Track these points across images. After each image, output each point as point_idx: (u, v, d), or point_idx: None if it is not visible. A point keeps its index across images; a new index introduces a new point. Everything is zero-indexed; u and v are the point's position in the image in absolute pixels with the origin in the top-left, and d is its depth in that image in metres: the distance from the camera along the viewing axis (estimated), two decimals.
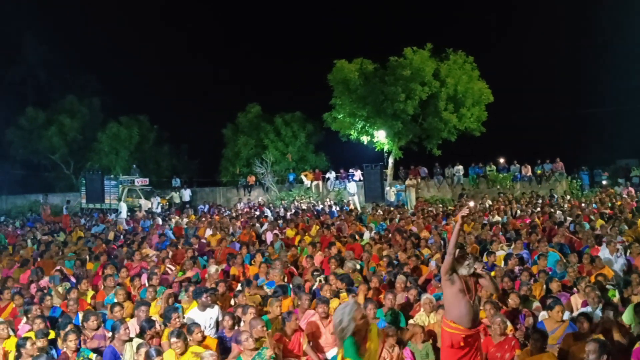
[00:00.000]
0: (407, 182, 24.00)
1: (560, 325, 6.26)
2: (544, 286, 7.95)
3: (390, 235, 13.05)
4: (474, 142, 27.07)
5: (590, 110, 33.51)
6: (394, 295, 7.42)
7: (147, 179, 28.00)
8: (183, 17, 47.01)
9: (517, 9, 37.13)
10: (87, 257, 11.95)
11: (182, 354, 5.85)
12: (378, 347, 5.10)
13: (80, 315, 7.32)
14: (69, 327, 6.51)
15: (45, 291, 8.69)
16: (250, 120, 32.38)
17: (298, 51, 42.00)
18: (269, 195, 28.14)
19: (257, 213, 20.62)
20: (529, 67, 36.72)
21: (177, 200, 27.55)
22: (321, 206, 22.59)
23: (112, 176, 27.86)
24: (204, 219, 18.92)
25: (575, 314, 6.65)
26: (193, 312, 7.27)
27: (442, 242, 11.53)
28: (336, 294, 7.83)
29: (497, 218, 15.74)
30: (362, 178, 25.50)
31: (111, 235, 15.95)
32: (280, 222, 16.71)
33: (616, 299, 7.19)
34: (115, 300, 7.86)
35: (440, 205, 20.98)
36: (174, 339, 5.88)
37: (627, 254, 9.62)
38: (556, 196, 21.54)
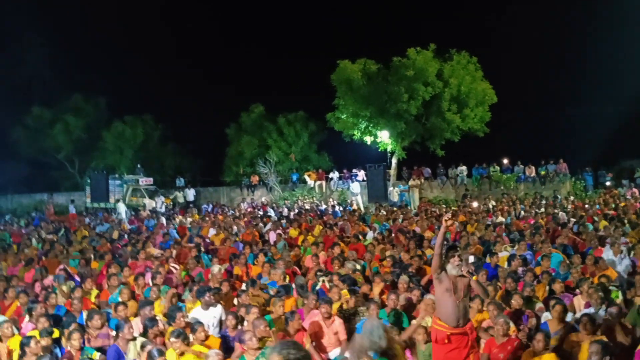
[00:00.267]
0: (411, 182, 24.00)
1: (564, 327, 6.26)
2: (547, 287, 7.94)
3: (393, 235, 13.06)
4: (478, 142, 27.04)
5: (594, 110, 33.37)
6: (397, 295, 7.43)
7: (152, 179, 28.10)
8: (186, 17, 47.02)
9: (521, 8, 36.99)
10: (92, 256, 11.99)
11: (182, 353, 5.87)
12: None
13: (85, 314, 7.35)
14: (73, 326, 6.54)
15: (49, 290, 8.74)
16: (254, 120, 32.45)
17: (301, 51, 41.96)
18: (272, 195, 28.17)
19: (260, 213, 20.65)
20: (533, 67, 36.62)
21: (181, 200, 27.63)
22: (324, 206, 22.60)
23: (116, 175, 27.97)
24: (207, 218, 18.97)
25: (578, 315, 6.64)
26: (196, 312, 7.29)
27: (446, 242, 11.52)
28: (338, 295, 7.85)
29: (500, 219, 15.72)
30: (365, 178, 25.51)
31: (115, 235, 16.01)
32: (283, 222, 16.73)
33: (620, 300, 7.18)
34: (119, 300, 7.89)
35: (444, 206, 20.97)
36: (173, 339, 5.90)
37: (631, 255, 9.60)
38: (560, 197, 21.49)
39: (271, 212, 20.68)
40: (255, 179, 29.28)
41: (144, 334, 6.59)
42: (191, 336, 6.16)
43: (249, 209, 22.94)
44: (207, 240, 13.94)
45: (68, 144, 32.66)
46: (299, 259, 11.28)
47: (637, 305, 6.47)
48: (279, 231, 14.45)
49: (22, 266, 11.30)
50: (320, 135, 32.09)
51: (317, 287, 8.50)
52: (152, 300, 7.72)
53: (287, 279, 9.23)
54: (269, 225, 15.90)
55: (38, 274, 10.17)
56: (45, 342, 6.19)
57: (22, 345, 5.99)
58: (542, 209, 17.46)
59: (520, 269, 9.00)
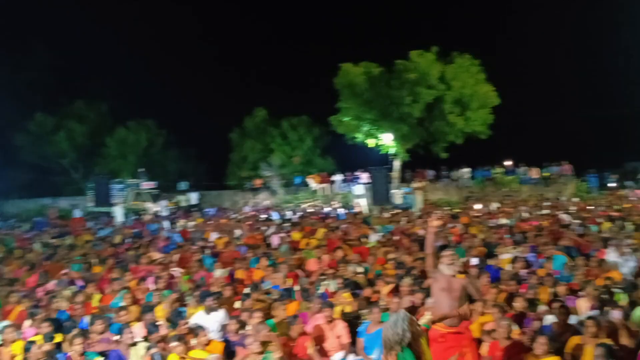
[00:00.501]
0: (414, 184, 23.97)
1: (567, 330, 6.22)
2: (551, 290, 7.89)
3: (396, 238, 13.01)
4: (481, 144, 27.02)
5: (599, 112, 33.29)
6: (400, 298, 7.39)
7: (155, 183, 28.12)
8: (188, 22, 47.18)
9: (524, 10, 37.03)
10: (95, 260, 11.99)
11: (184, 358, 5.86)
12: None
13: (87, 318, 7.35)
14: (75, 331, 6.54)
15: (52, 294, 8.74)
16: (257, 125, 32.53)
17: (304, 55, 42.09)
18: (275, 198, 28.18)
19: (264, 216, 20.63)
20: (536, 69, 36.65)
21: (185, 204, 27.63)
22: (328, 209, 22.57)
23: (119, 180, 28.00)
24: (210, 222, 18.96)
25: (581, 317, 6.59)
26: (199, 316, 7.28)
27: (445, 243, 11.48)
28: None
29: (503, 221, 15.64)
30: (368, 181, 25.48)
31: (118, 239, 16.01)
32: (286, 225, 16.70)
33: (624, 302, 7.12)
34: (122, 304, 7.89)
35: (447, 208, 20.91)
36: (174, 343, 5.90)
37: (636, 256, 9.53)
38: (563, 199, 21.41)
39: (274, 216, 20.66)
40: (258, 182, 29.29)
41: (147, 338, 6.58)
42: (193, 341, 6.14)
43: (252, 213, 22.91)
44: (210, 244, 13.92)
45: (71, 150, 32.77)
46: (302, 262, 11.24)
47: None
48: (282, 234, 14.41)
49: (25, 271, 11.30)
50: (324, 139, 32.12)
51: (320, 291, 8.48)
52: (154, 305, 7.72)
53: (290, 282, 9.21)
54: (272, 229, 15.87)
55: (41, 278, 10.17)
56: (47, 347, 6.19)
57: (25, 350, 6.00)
58: (546, 211, 17.38)
59: (523, 271, 8.96)
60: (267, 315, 7.28)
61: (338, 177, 27.88)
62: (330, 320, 6.84)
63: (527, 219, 15.78)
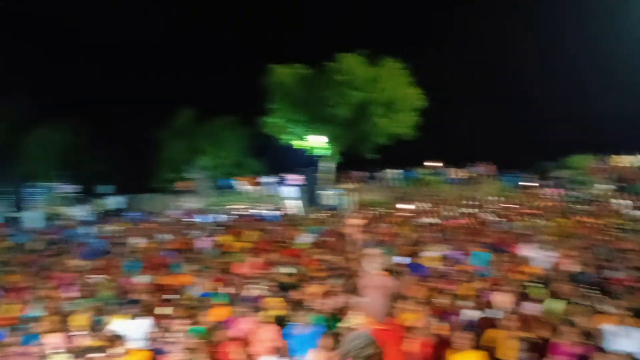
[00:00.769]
0: (346, 185, 24.27)
1: (485, 323, 6.46)
2: (473, 285, 8.19)
3: (327, 239, 13.08)
4: (409, 146, 27.74)
5: (520, 115, 35.22)
6: (329, 299, 7.42)
7: (76, 186, 26.80)
8: (109, 19, 45.29)
9: (446, 16, 38.51)
10: (12, 268, 11.27)
11: None
12: None
13: (4, 330, 6.91)
14: None
15: None
16: (184, 125, 31.66)
17: (235, 56, 41.64)
18: (203, 201, 27.61)
19: (190, 220, 20.16)
20: (462, 73, 38.06)
21: (109, 208, 26.54)
22: (258, 211, 22.40)
23: (36, 183, 26.46)
24: (135, 226, 18.30)
25: (499, 311, 6.87)
26: (122, 324, 6.97)
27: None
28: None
29: (429, 220, 16.15)
30: (300, 182, 25.55)
31: (37, 245, 15.10)
32: (215, 228, 16.42)
33: (540, 295, 7.50)
34: (40, 313, 7.46)
35: (377, 209, 21.28)
36: (92, 355, 5.65)
37: (551, 251, 10.09)
38: (486, 198, 22.40)
39: (202, 219, 20.24)
40: (185, 185, 28.59)
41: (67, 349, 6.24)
42: (115, 350, 5.87)
43: (178, 216, 22.32)
44: (134, 249, 13.42)
45: None
46: (231, 266, 11.04)
47: (554, 299, 6.79)
48: (210, 238, 14.15)
49: None
50: (254, 140, 31.76)
51: (250, 294, 8.35)
52: (74, 314, 7.33)
53: (219, 287, 9.01)
54: (198, 232, 15.54)
55: None
56: None
57: None
58: (469, 210, 18.11)
59: (447, 268, 9.25)
60: (194, 322, 7.11)
61: (268, 179, 27.74)
62: (261, 324, 6.75)
63: (452, 218, 16.37)
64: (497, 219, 15.20)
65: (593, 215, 14.38)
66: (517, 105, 35.36)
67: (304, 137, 26.69)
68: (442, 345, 5.95)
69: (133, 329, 6.85)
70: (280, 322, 7.14)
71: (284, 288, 8.45)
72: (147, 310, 7.40)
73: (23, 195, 23.72)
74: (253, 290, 8.50)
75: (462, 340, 5.70)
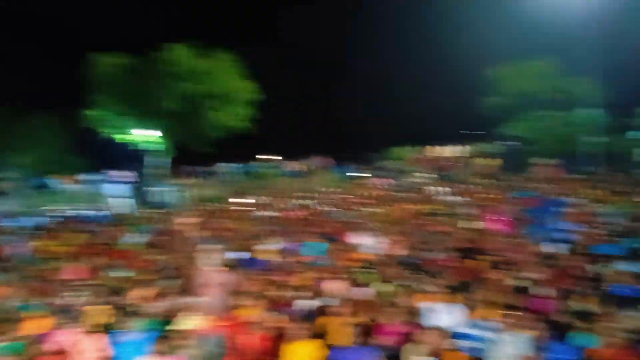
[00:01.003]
0: (182, 181, 23.43)
1: (321, 311, 6.60)
2: (310, 275, 8.33)
3: (160, 238, 12.40)
4: (246, 140, 27.70)
5: (346, 110, 37.23)
6: (161, 301, 6.98)
7: None
8: None
9: (289, 9, 39.13)
10: None
11: None
12: None
13: None
14: None
15: None
16: None
17: (53, 45, 37.56)
18: (19, 202, 24.57)
19: (1, 224, 17.78)
20: (298, 66, 39.12)
21: None
22: (84, 212, 20.59)
23: None
24: None
25: (334, 298, 7.06)
26: None
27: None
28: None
29: (266, 213, 16.22)
30: (129, 179, 24.08)
31: None
32: (33, 232, 14.67)
33: (371, 280, 7.88)
34: None
35: (214, 204, 20.86)
36: None
37: (380, 237, 10.69)
38: (322, 189, 23.24)
39: (16, 222, 17.97)
40: None
41: None
42: None
43: None
44: None
45: None
46: (52, 273, 9.92)
47: (384, 284, 7.17)
48: (25, 243, 12.60)
49: None
50: (76, 135, 29.02)
51: (71, 302, 7.54)
52: None
53: (37, 296, 8.07)
54: (10, 238, 13.76)
55: None
56: None
57: None
58: (306, 201, 18.58)
59: (284, 260, 9.30)
60: (10, 337, 6.36)
61: (90, 177, 25.66)
62: (84, 334, 6.30)
63: (289, 210, 16.63)
64: (332, 209, 15.78)
65: (413, 202, 15.63)
66: (347, 101, 37.39)
67: (129, 130, 25.02)
68: (280, 337, 5.92)
69: None
70: (107, 330, 6.64)
71: (114, 293, 7.78)
72: None
73: None
74: (75, 299, 7.71)
75: (296, 331, 5.73)
